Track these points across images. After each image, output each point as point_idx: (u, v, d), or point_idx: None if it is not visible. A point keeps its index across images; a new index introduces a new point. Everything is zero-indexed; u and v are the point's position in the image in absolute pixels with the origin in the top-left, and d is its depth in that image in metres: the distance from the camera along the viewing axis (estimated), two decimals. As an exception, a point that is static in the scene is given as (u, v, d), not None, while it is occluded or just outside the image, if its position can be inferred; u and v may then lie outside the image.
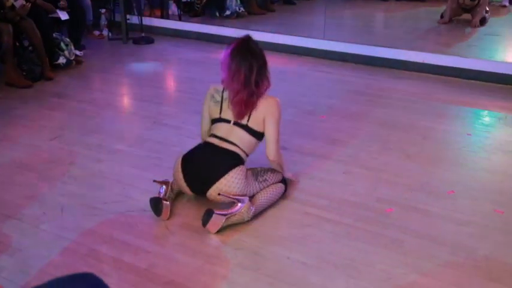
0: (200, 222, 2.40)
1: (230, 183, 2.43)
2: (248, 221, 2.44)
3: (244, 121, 2.52)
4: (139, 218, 2.51)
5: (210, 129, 2.63)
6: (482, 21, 6.14)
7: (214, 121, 2.60)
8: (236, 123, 2.52)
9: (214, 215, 2.35)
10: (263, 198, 2.53)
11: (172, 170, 2.59)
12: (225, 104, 2.55)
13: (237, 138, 2.52)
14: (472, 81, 4.59)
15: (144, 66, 5.16)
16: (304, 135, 3.46)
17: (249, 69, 2.44)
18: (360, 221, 2.49)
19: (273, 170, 2.65)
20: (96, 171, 2.98)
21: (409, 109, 3.92)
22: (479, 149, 3.29)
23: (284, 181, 2.67)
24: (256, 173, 2.59)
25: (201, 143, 2.65)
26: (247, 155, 2.57)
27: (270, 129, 2.55)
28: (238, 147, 2.51)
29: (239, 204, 2.40)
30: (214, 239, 2.36)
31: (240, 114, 2.51)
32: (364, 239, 2.36)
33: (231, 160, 2.48)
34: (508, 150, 3.27)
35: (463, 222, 2.50)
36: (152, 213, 2.50)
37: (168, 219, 2.48)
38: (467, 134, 3.52)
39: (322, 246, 2.32)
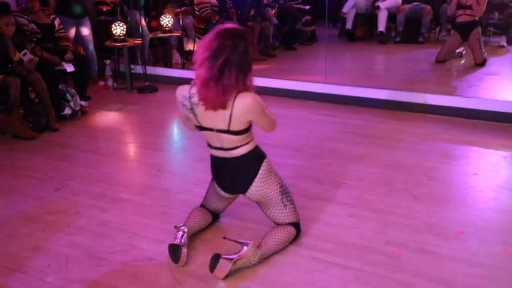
0: (207, 270, 2.36)
1: (260, 187, 2.54)
2: (255, 264, 2.41)
3: (223, 127, 2.39)
4: (145, 268, 2.48)
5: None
6: (483, 62, 6.24)
7: (198, 128, 2.53)
8: (219, 130, 2.42)
9: (221, 260, 2.33)
10: (271, 242, 2.50)
11: (176, 217, 2.58)
12: (197, 110, 2.41)
13: (230, 143, 2.47)
14: (475, 120, 4.61)
15: (148, 115, 5.22)
16: (309, 178, 3.45)
17: (231, 51, 2.25)
18: (369, 265, 2.45)
19: (295, 206, 2.67)
20: (101, 221, 2.97)
21: (413, 150, 3.93)
22: (486, 189, 3.26)
23: (297, 226, 2.64)
24: (285, 189, 2.64)
25: (211, 155, 2.63)
26: (249, 142, 2.52)
27: (262, 124, 2.51)
28: (236, 147, 2.48)
29: (245, 248, 2.38)
30: (221, 287, 2.32)
31: (212, 107, 2.34)
32: (374, 283, 2.32)
33: (248, 162, 2.53)
34: (515, 188, 3.25)
35: (474, 263, 2.46)
36: (158, 261, 2.48)
37: (183, 266, 2.46)
38: (474, 174, 3.50)
39: (332, 292, 2.28)
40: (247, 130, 2.46)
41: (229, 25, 2.43)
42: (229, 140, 2.45)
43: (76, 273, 2.46)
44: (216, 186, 2.68)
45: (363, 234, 2.74)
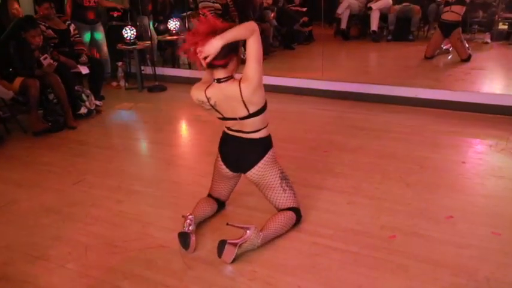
0: (215, 255, 2.37)
1: (261, 170, 2.56)
2: (259, 247, 2.41)
3: (245, 113, 2.44)
4: (158, 254, 2.49)
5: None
6: (467, 58, 6.21)
7: (221, 119, 2.56)
8: (242, 118, 2.47)
9: (227, 245, 2.34)
10: (272, 225, 2.51)
11: (186, 207, 2.58)
12: (218, 107, 2.47)
13: (250, 126, 2.51)
14: (462, 112, 4.58)
15: (157, 112, 5.22)
16: (309, 169, 3.45)
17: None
18: (366, 248, 2.46)
19: (295, 194, 2.67)
20: (116, 212, 2.97)
21: (405, 141, 3.92)
22: (474, 176, 3.26)
23: (297, 211, 2.64)
24: (285, 176, 2.64)
25: (224, 132, 2.65)
26: (265, 127, 2.57)
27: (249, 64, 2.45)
28: (256, 131, 2.52)
29: (248, 232, 2.40)
30: (229, 271, 2.33)
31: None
32: (370, 265, 2.33)
33: (257, 148, 2.55)
34: (500, 175, 3.23)
35: (463, 245, 2.46)
36: (170, 248, 2.49)
37: (193, 252, 2.47)
38: (462, 162, 3.49)
39: (331, 274, 2.28)
40: (264, 107, 2.51)
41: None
42: (252, 123, 2.50)
43: (94, 260, 2.47)
44: (220, 163, 2.68)
45: (359, 220, 2.74)
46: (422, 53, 6.58)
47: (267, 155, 2.57)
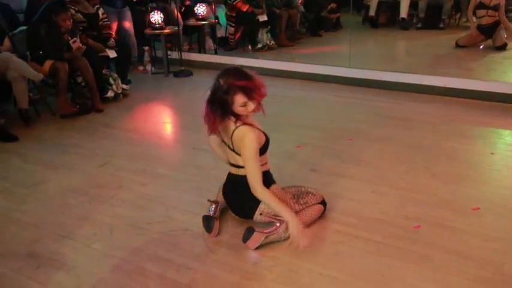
0: (238, 240, 2.39)
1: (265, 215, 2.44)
2: (285, 240, 2.42)
3: (230, 145, 2.41)
4: (182, 237, 2.52)
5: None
6: (502, 46, 6.03)
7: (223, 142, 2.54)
8: (228, 146, 2.44)
9: (255, 233, 2.35)
10: (302, 220, 2.48)
11: (209, 192, 2.60)
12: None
13: (238, 160, 2.42)
14: (492, 102, 4.47)
15: (183, 97, 5.25)
16: (333, 157, 3.43)
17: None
18: (389, 238, 2.44)
19: (314, 193, 2.60)
20: (141, 194, 3.02)
21: (432, 131, 3.85)
22: (502, 167, 3.19)
23: (324, 202, 2.63)
24: (298, 194, 2.55)
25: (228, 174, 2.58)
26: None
27: (244, 163, 2.35)
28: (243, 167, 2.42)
29: (277, 224, 2.39)
30: (251, 256, 2.34)
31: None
32: (393, 255, 2.31)
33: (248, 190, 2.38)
34: (531, 168, 3.16)
35: (489, 238, 2.41)
36: (193, 232, 2.52)
37: (216, 236, 2.49)
38: (491, 154, 3.42)
39: (353, 262, 2.27)
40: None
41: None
42: (234, 157, 2.44)
43: (119, 241, 2.51)
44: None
45: (383, 209, 2.72)
46: (453, 42, 6.42)
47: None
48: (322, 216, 2.62)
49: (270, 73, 5.63)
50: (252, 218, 2.47)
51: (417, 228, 2.51)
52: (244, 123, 2.34)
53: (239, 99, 2.25)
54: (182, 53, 6.32)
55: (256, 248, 2.36)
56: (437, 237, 2.43)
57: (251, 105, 2.28)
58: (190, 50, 6.93)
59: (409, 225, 2.54)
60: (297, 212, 2.45)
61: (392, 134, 3.82)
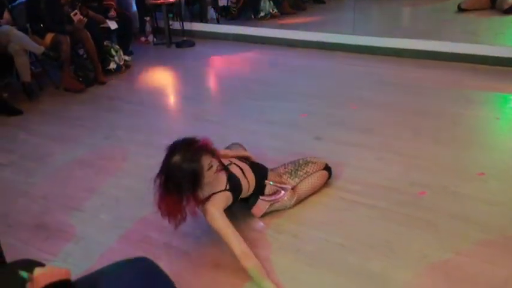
0: (243, 209, 2.41)
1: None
2: (290, 208, 2.43)
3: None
4: (188, 207, 2.54)
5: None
6: (510, 9, 5.89)
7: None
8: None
9: (259, 200, 2.36)
10: (306, 187, 2.50)
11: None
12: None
13: None
14: (500, 67, 4.41)
15: (186, 68, 5.21)
16: (337, 125, 3.41)
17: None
18: (394, 205, 2.45)
19: (314, 161, 2.59)
20: (147, 166, 3.01)
21: (438, 97, 3.81)
22: (508, 132, 3.17)
23: (328, 168, 2.61)
24: (295, 169, 2.53)
25: None
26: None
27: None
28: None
29: (282, 192, 2.40)
30: (257, 224, 2.37)
31: None
32: (398, 221, 2.32)
33: None
34: (537, 132, 3.14)
35: (494, 202, 2.42)
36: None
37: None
38: (496, 118, 3.39)
39: (359, 228, 2.29)
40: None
41: None
42: None
43: (126, 212, 2.54)
44: None
45: (388, 176, 2.72)
46: (459, 6, 6.29)
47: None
48: (327, 183, 2.63)
49: (273, 42, 5.56)
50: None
51: (422, 194, 2.52)
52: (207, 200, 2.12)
53: (206, 160, 2.04)
54: (184, 23, 6.24)
55: (262, 216, 2.38)
56: (442, 202, 2.44)
57: (215, 164, 2.10)
58: (192, 20, 6.83)
59: (414, 192, 2.55)
60: (295, 186, 2.46)
61: (397, 100, 3.80)
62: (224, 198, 2.16)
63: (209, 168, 2.05)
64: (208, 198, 2.12)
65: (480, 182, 2.61)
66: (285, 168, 2.57)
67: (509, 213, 2.33)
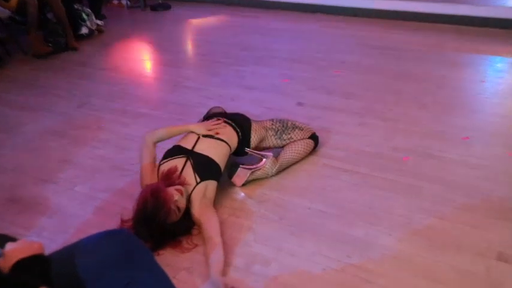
0: (225, 179, 2.38)
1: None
2: (272, 176, 2.41)
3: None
4: (166, 177, 2.50)
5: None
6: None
7: None
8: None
9: (239, 169, 2.33)
10: (288, 154, 2.47)
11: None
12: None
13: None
14: (484, 28, 4.40)
15: (162, 32, 5.07)
16: (320, 90, 3.38)
17: None
18: (377, 170, 2.44)
19: (302, 127, 2.55)
20: (123, 135, 2.97)
21: (422, 60, 3.79)
22: (493, 95, 3.18)
23: (314, 137, 2.58)
24: (282, 130, 2.50)
25: None
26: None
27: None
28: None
29: (264, 160, 2.37)
30: (239, 194, 2.35)
31: None
32: (381, 186, 2.32)
33: None
34: (521, 94, 3.15)
35: (478, 166, 2.44)
36: (178, 171, 2.49)
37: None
38: (481, 81, 3.39)
39: (341, 195, 2.29)
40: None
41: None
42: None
43: (102, 183, 2.49)
44: None
45: (371, 141, 2.71)
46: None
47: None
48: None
49: (254, 5, 5.43)
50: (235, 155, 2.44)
51: (406, 159, 2.52)
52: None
53: (172, 207, 1.95)
54: (159, -15, 6.06)
55: (243, 185, 2.36)
56: (425, 167, 2.45)
57: (178, 197, 1.99)
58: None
59: (397, 157, 2.55)
60: (279, 147, 2.45)
61: (380, 64, 3.77)
62: (202, 194, 2.10)
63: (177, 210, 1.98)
64: (189, 201, 2.07)
65: (464, 145, 2.62)
66: (272, 123, 2.51)
67: (494, 177, 2.35)
